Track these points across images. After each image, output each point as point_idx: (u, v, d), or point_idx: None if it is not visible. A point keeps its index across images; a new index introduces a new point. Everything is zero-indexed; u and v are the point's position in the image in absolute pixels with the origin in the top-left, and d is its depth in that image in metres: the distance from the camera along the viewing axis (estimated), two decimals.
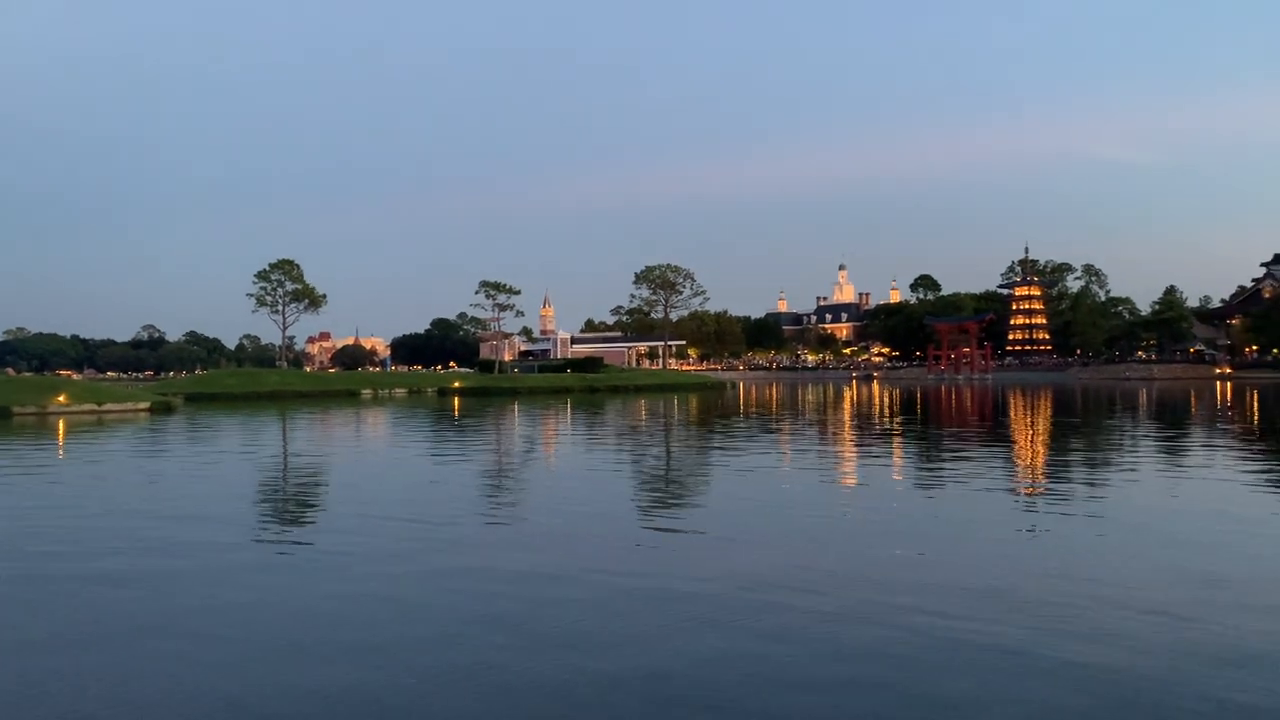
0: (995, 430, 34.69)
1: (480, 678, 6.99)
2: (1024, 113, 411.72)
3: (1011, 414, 46.10)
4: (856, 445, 28.25)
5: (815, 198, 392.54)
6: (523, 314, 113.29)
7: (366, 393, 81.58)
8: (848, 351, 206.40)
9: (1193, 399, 60.65)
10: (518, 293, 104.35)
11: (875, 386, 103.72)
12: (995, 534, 12.90)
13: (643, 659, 7.42)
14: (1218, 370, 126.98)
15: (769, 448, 27.59)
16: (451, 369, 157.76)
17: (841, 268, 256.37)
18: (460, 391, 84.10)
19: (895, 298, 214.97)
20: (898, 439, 30.82)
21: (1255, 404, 52.44)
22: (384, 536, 12.85)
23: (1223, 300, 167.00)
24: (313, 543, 12.88)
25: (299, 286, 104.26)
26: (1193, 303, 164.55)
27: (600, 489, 18.59)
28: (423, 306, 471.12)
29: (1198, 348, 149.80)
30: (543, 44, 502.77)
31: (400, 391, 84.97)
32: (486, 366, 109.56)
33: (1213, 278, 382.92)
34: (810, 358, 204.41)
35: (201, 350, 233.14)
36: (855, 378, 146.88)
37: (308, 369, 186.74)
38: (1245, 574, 10.20)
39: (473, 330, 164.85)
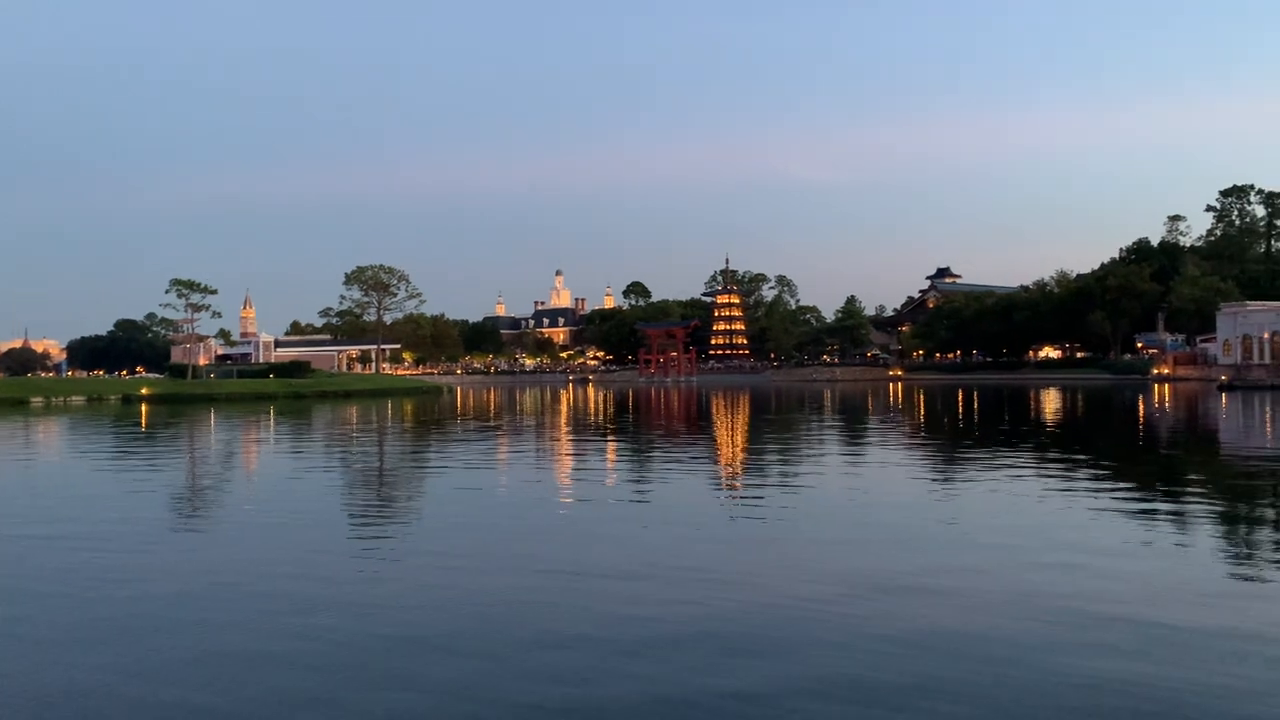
0: (697, 428, 36.82)
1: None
2: (726, 131, 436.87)
3: (713, 413, 48.97)
4: (570, 445, 28.99)
5: (534, 203, 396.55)
6: (220, 315, 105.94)
7: (37, 400, 73.63)
8: (565, 355, 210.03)
9: (869, 398, 66.94)
10: (214, 292, 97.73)
11: (590, 389, 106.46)
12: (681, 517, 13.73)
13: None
14: (891, 372, 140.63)
15: (481, 451, 27.67)
16: (139, 374, 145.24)
17: (559, 273, 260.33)
18: (148, 399, 77.62)
19: (610, 303, 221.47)
20: (610, 438, 31.94)
21: (921, 402, 58.79)
22: (34, 557, 11.73)
23: (895, 309, 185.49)
24: None
25: None
26: (870, 311, 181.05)
27: (292, 501, 17.90)
28: (106, 307, 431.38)
29: (874, 352, 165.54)
30: (272, 40, 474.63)
31: (78, 399, 77.21)
32: (179, 371, 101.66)
33: (887, 289, 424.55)
34: (528, 361, 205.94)
35: None
36: (571, 381, 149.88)
37: None
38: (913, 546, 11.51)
39: (163, 333, 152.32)
